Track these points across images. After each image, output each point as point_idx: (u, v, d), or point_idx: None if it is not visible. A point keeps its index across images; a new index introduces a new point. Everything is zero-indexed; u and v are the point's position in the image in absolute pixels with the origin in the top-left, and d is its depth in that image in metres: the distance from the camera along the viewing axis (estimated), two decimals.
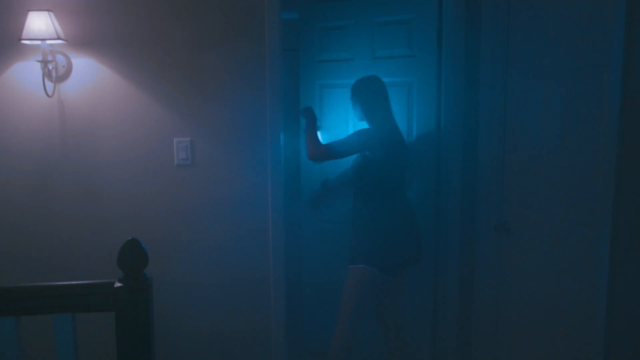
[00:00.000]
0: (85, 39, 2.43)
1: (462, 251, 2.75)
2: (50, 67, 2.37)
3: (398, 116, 2.71)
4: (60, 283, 1.46)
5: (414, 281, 2.80)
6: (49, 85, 2.41)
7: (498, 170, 2.61)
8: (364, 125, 2.64)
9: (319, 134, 2.70)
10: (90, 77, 2.45)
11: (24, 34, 2.25)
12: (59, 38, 2.27)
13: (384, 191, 2.57)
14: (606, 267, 1.81)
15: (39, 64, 2.34)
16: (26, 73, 2.41)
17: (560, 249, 2.19)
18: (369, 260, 2.51)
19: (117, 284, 1.39)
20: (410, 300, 2.85)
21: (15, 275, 2.49)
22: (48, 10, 2.28)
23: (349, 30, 2.89)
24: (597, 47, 1.94)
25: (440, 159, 2.76)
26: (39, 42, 2.29)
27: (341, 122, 2.93)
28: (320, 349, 2.85)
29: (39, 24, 2.24)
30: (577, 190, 2.08)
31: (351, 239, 2.61)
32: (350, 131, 2.82)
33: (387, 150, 2.52)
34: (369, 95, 2.59)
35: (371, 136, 2.55)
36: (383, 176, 2.55)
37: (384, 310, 2.68)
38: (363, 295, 2.54)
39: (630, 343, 1.76)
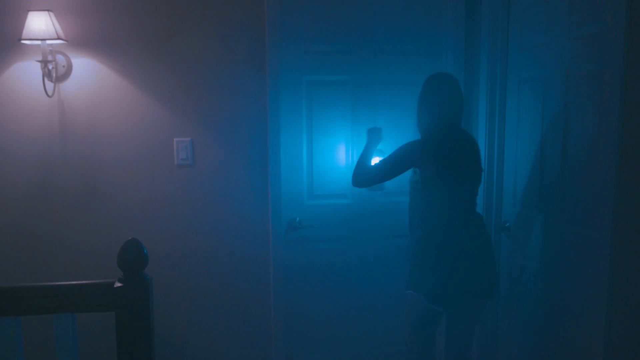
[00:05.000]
0: (85, 39, 2.42)
1: None
2: (50, 67, 2.37)
3: (404, 117, 2.66)
4: (60, 283, 1.46)
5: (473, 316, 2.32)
6: (49, 85, 2.40)
7: (498, 170, 2.61)
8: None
9: (376, 158, 2.37)
10: (90, 77, 2.45)
11: (24, 34, 2.25)
12: (59, 38, 2.27)
13: (438, 211, 2.19)
14: (606, 267, 1.81)
15: (39, 64, 2.34)
16: (26, 73, 2.41)
17: (560, 249, 2.20)
18: (414, 286, 2.24)
19: (117, 284, 1.39)
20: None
21: (15, 275, 2.49)
22: (48, 10, 2.28)
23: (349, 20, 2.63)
24: (597, 51, 1.94)
25: None
26: (39, 42, 2.29)
27: (336, 128, 2.68)
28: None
29: (39, 24, 2.24)
30: (578, 190, 2.08)
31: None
32: (347, 137, 2.70)
33: (437, 165, 2.13)
34: (425, 96, 2.23)
35: (413, 149, 2.18)
36: (436, 195, 2.18)
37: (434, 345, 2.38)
38: (414, 323, 2.28)
39: (631, 343, 1.76)
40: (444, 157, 2.14)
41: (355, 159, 2.69)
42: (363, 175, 2.32)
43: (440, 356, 2.79)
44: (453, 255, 2.16)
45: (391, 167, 2.25)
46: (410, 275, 2.26)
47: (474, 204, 2.24)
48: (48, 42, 2.29)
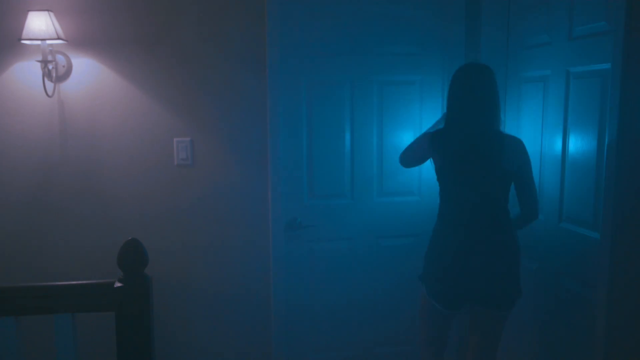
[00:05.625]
0: (85, 39, 2.42)
1: None
2: (50, 67, 2.37)
3: (404, 117, 2.65)
4: (60, 283, 1.46)
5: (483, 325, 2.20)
6: (49, 85, 2.40)
7: None
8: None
9: None
10: (90, 77, 2.45)
11: (24, 34, 2.25)
12: (59, 38, 2.27)
13: (444, 204, 2.20)
14: (606, 268, 1.81)
15: (39, 64, 2.34)
16: (26, 73, 2.41)
17: (560, 249, 2.20)
18: (422, 277, 2.25)
19: (117, 284, 1.39)
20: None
21: (15, 275, 2.49)
22: (48, 10, 2.28)
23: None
24: (597, 51, 1.94)
25: None
26: (39, 42, 2.29)
27: (336, 127, 2.67)
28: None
29: (39, 24, 2.24)
30: (578, 190, 2.09)
31: None
32: (347, 137, 2.70)
33: (440, 155, 2.15)
34: (451, 87, 2.17)
35: (425, 139, 2.21)
36: (445, 189, 2.18)
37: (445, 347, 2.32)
38: (422, 315, 2.29)
39: (631, 343, 1.76)
40: (450, 149, 2.11)
41: (356, 160, 2.70)
42: (401, 156, 2.37)
43: None
44: (457, 255, 2.10)
45: (410, 154, 2.31)
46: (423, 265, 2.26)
47: (497, 207, 2.10)
48: (48, 42, 2.29)
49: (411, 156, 2.32)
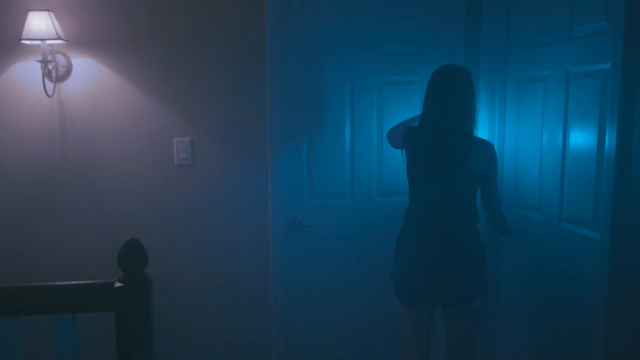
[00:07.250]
0: (85, 39, 2.43)
1: None
2: (50, 67, 2.37)
3: (403, 117, 2.67)
4: (60, 283, 1.46)
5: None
6: (49, 85, 2.41)
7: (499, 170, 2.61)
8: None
9: None
10: (90, 77, 2.45)
11: (24, 34, 2.25)
12: (59, 38, 2.27)
13: (411, 202, 2.23)
14: (606, 267, 1.81)
15: (39, 64, 2.34)
16: (26, 73, 2.41)
17: (560, 249, 2.20)
18: (391, 274, 2.29)
19: (117, 284, 1.39)
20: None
21: (15, 275, 2.49)
22: (48, 10, 2.28)
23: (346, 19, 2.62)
24: (597, 51, 1.94)
25: None
26: (39, 42, 2.29)
27: (336, 127, 2.67)
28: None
29: (39, 24, 2.24)
30: (577, 190, 2.09)
31: None
32: (347, 137, 2.71)
33: (408, 151, 2.19)
34: (427, 87, 2.18)
35: (400, 132, 2.26)
36: (409, 183, 2.22)
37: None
38: (401, 317, 2.31)
39: (631, 343, 1.76)
40: (418, 148, 2.14)
41: (356, 160, 2.70)
42: (388, 133, 2.40)
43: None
44: (415, 253, 2.13)
45: (393, 137, 2.34)
46: None
47: (459, 207, 2.11)
48: (48, 42, 2.29)
49: (393, 139, 2.36)
